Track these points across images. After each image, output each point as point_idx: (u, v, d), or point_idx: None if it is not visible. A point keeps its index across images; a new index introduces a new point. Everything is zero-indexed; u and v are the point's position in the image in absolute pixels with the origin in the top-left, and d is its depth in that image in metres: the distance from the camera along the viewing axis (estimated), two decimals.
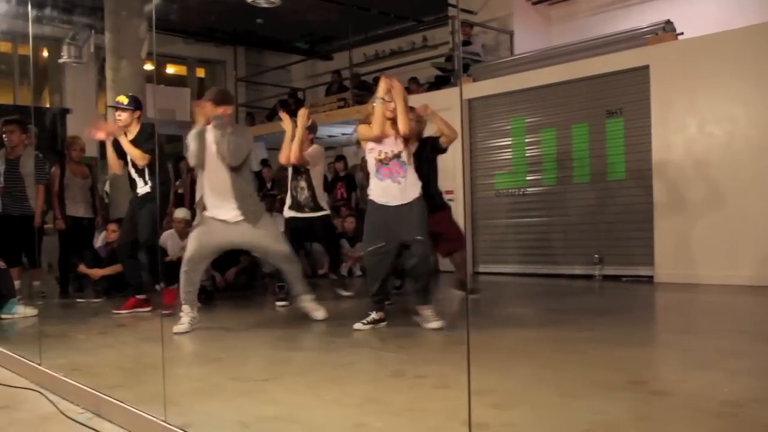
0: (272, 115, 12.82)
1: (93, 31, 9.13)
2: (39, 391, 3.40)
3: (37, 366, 3.64)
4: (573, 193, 7.77)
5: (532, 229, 8.19)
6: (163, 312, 5.64)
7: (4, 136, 6.87)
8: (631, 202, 7.35)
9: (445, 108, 8.87)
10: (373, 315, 4.75)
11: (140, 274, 5.98)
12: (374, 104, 4.59)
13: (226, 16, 11.67)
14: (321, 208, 6.11)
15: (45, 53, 11.54)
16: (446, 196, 8.99)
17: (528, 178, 8.23)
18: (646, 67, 7.07)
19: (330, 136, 12.43)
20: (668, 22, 7.28)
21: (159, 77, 13.37)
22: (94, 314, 6.11)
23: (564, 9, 10.58)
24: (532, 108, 8.23)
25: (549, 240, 8.03)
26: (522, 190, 8.31)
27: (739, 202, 6.50)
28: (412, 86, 10.59)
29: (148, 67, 7.99)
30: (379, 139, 4.58)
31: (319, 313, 5.19)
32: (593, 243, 7.58)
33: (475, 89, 8.64)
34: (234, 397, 3.14)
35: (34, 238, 6.87)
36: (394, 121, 4.54)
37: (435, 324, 4.59)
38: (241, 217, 4.82)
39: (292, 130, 5.86)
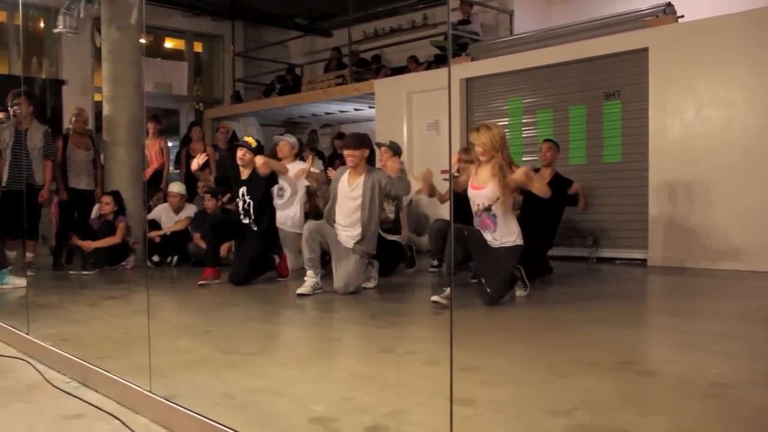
0: (269, 91, 12.74)
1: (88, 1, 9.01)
2: (26, 360, 3.38)
3: (25, 335, 3.62)
4: (569, 174, 7.71)
5: None
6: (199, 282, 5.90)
7: (14, 108, 6.82)
8: (626, 185, 7.32)
9: (443, 87, 8.89)
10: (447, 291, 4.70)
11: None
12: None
13: None
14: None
15: (41, 24, 11.43)
16: (442, 176, 9.04)
17: (524, 159, 8.19)
18: (645, 50, 7.01)
19: (327, 113, 12.37)
20: (669, 5, 7.21)
21: (157, 51, 13.25)
22: (85, 286, 6.11)
23: None
24: (529, 88, 8.17)
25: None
26: None
27: (735, 187, 6.48)
28: (412, 64, 10.53)
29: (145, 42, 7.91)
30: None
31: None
32: (588, 225, 7.56)
33: (472, 68, 8.58)
34: (221, 369, 3.13)
35: (36, 212, 6.85)
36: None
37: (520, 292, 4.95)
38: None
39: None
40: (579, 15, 9.44)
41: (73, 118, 7.53)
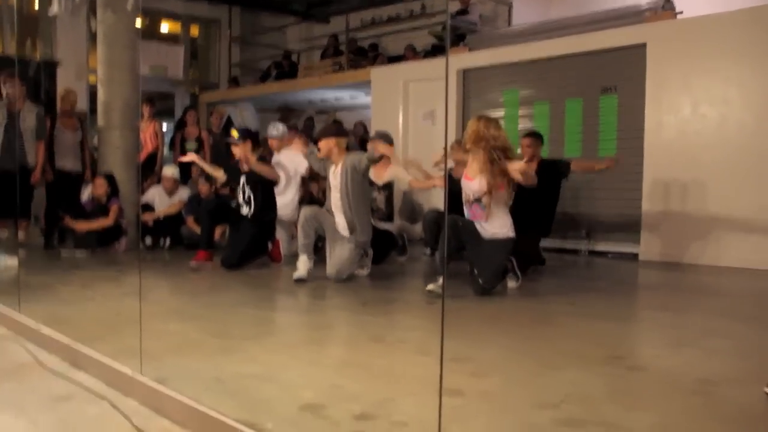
0: (266, 77, 12.69)
1: None
2: (17, 341, 3.38)
3: (16, 314, 3.61)
4: None
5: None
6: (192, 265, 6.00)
7: (6, 89, 6.77)
8: (620, 179, 7.32)
9: (440, 77, 8.88)
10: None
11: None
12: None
13: None
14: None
15: (36, 4, 11.35)
16: (438, 166, 9.03)
17: (519, 151, 8.18)
18: (643, 45, 7.01)
19: (323, 101, 12.33)
20: (668, 0, 7.21)
21: (152, 34, 13.16)
22: (77, 267, 6.09)
23: None
24: (526, 81, 8.16)
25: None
26: None
27: (729, 185, 6.50)
28: (409, 53, 10.50)
29: (139, 22, 7.85)
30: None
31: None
32: (581, 218, 7.58)
33: (469, 59, 8.55)
34: (212, 353, 3.14)
35: (27, 193, 6.83)
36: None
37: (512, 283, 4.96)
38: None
39: None
40: (578, 8, 9.41)
41: (61, 99, 7.48)
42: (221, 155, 8.88)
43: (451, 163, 5.71)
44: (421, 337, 3.58)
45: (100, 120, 7.67)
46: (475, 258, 4.69)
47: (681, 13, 7.19)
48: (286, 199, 6.81)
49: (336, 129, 5.71)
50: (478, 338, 3.51)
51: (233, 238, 6.27)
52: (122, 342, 3.29)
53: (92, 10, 8.67)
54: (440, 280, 4.62)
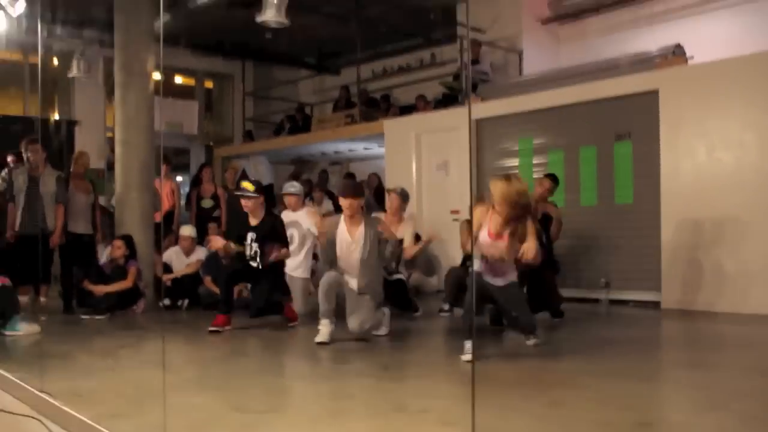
0: (279, 130, 12.83)
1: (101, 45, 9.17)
2: (40, 420, 3.36)
3: (39, 393, 3.60)
4: (580, 215, 7.70)
5: None
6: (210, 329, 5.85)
7: (28, 155, 6.89)
8: (639, 227, 7.29)
9: (452, 127, 8.95)
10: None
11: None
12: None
13: (235, 30, 11.68)
14: None
15: (55, 63, 11.59)
16: (452, 216, 9.04)
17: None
18: (656, 91, 7.03)
19: (336, 152, 12.43)
20: (678, 46, 7.25)
21: (167, 89, 13.39)
22: (97, 332, 6.09)
23: (574, 28, 10.56)
24: (540, 129, 8.19)
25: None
26: None
27: (747, 230, 6.44)
28: (420, 103, 10.60)
29: (157, 75, 7.97)
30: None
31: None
32: (600, 267, 7.52)
33: (483, 109, 8.60)
34: (235, 429, 3.11)
35: (48, 257, 6.88)
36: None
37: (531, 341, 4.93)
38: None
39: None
40: (587, 53, 9.51)
41: (75, 161, 7.56)
42: (236, 212, 8.94)
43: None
44: (444, 406, 3.53)
45: (118, 181, 7.75)
46: (510, 305, 4.83)
47: (692, 58, 7.22)
48: (299, 258, 6.82)
49: (360, 188, 5.73)
50: (502, 405, 3.44)
51: (254, 291, 6.30)
52: (144, 419, 3.27)
53: (109, 70, 8.88)
54: (467, 345, 4.57)
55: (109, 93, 10.14)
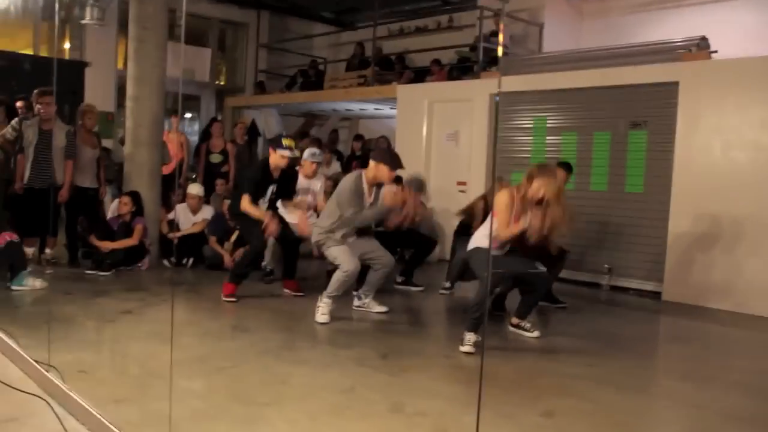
0: (291, 84, 12.70)
1: None
2: (46, 401, 3.42)
3: (45, 373, 3.66)
4: (589, 200, 7.68)
5: None
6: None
7: (38, 107, 6.81)
8: (647, 217, 7.27)
9: (466, 99, 8.86)
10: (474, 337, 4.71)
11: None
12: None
13: None
14: None
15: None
16: (459, 188, 9.03)
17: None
18: (676, 83, 6.92)
19: (347, 110, 12.33)
20: (703, 39, 7.10)
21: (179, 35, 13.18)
22: (101, 292, 6.13)
23: (597, 4, 10.34)
24: (556, 109, 8.09)
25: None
26: None
27: (755, 231, 6.43)
28: (434, 68, 10.46)
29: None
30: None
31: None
32: (604, 252, 7.54)
33: (501, 84, 8.48)
34: (236, 424, 3.20)
35: (56, 210, 6.89)
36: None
37: (534, 334, 5.16)
38: None
39: None
40: (609, 31, 9.35)
41: (83, 115, 7.48)
42: (245, 166, 8.93)
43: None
44: (440, 406, 3.60)
45: (128, 137, 7.72)
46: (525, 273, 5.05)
47: (715, 52, 7.08)
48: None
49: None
50: (496, 411, 3.50)
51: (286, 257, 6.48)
52: (149, 406, 3.38)
53: (123, 22, 8.73)
54: (467, 337, 4.64)
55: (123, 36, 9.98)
